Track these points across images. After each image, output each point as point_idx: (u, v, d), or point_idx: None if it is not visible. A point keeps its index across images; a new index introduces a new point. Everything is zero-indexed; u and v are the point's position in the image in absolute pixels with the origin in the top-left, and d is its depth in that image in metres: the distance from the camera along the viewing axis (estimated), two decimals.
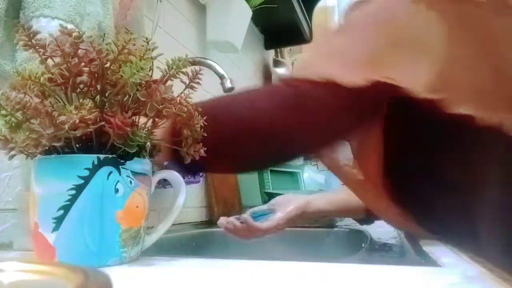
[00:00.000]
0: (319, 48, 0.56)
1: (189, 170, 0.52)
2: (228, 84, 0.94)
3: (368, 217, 0.76)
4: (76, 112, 0.37)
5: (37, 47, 0.39)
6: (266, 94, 0.52)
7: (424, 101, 0.40)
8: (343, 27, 0.52)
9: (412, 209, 0.54)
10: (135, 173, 0.41)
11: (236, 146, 0.50)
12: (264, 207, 0.80)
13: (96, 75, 0.39)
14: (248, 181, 1.36)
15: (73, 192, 0.38)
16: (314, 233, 0.95)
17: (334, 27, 0.57)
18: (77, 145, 0.39)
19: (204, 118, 0.44)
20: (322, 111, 0.48)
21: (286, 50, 2.17)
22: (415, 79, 0.42)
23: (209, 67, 0.96)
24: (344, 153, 0.59)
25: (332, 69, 0.46)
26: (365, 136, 0.55)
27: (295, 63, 2.21)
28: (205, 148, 0.45)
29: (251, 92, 0.53)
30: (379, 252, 0.54)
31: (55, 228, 0.38)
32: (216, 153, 0.48)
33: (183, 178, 0.49)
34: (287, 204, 0.78)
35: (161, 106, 0.40)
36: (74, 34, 0.39)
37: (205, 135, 0.45)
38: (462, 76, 0.42)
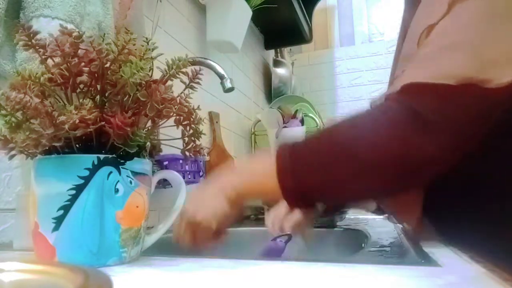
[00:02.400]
0: (422, 43, 0.44)
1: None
2: (228, 84, 0.93)
3: (379, 208, 0.72)
4: (76, 112, 0.37)
5: (37, 47, 0.39)
6: (374, 123, 0.42)
7: None
8: (442, 8, 0.42)
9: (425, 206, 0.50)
10: (135, 173, 0.41)
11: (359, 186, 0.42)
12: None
13: (96, 75, 0.39)
14: None
15: (73, 192, 0.38)
16: (314, 233, 0.95)
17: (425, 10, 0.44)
18: (77, 145, 0.39)
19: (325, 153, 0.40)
20: (458, 125, 0.37)
21: (286, 50, 2.17)
22: None
23: (209, 67, 0.96)
24: None
25: (459, 67, 0.37)
26: None
27: (294, 63, 2.21)
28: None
29: (360, 123, 0.44)
30: (379, 252, 0.54)
31: (55, 228, 0.38)
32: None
33: (183, 178, 0.49)
34: None
35: (161, 106, 0.40)
36: (74, 34, 0.39)
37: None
38: None
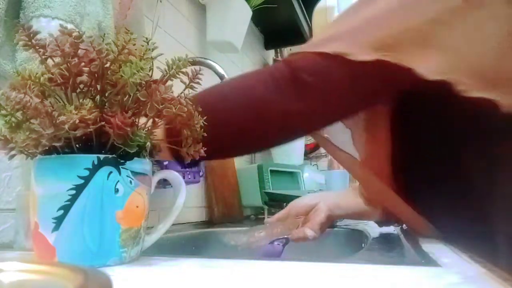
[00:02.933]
0: (331, 26, 0.52)
1: (189, 164, 0.51)
2: None
3: (386, 219, 0.72)
4: (76, 112, 0.37)
5: (37, 47, 0.39)
6: (260, 78, 0.49)
7: (437, 87, 0.38)
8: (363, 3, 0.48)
9: (424, 205, 0.52)
10: (135, 173, 0.41)
11: (233, 139, 0.49)
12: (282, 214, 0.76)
13: (96, 75, 0.39)
14: (248, 181, 1.36)
15: (73, 192, 0.38)
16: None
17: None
18: (77, 145, 0.39)
19: (199, 109, 0.44)
20: (326, 87, 0.44)
21: (286, 50, 2.17)
22: (427, 62, 0.39)
23: (209, 67, 0.96)
24: (344, 143, 0.58)
25: (344, 45, 0.43)
26: (371, 130, 0.53)
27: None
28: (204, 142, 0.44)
29: (245, 78, 0.51)
30: (379, 252, 0.54)
31: (55, 228, 0.38)
32: (215, 146, 0.47)
33: (183, 178, 0.49)
34: (313, 211, 0.73)
35: (161, 106, 0.40)
36: (74, 34, 0.39)
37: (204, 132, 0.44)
38: (481, 59, 0.40)
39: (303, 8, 1.81)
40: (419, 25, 0.42)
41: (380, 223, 0.76)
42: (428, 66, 0.39)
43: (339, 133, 0.58)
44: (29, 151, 0.39)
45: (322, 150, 2.11)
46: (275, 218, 0.77)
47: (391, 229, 0.76)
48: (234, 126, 0.48)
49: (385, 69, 0.41)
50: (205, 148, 0.45)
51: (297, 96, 0.45)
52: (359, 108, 0.50)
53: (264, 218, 1.27)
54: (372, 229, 0.80)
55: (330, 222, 0.75)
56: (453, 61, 0.40)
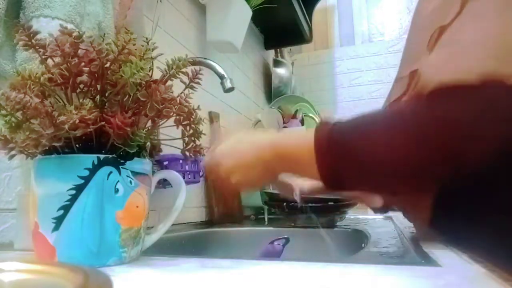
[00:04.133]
0: (446, 44, 0.43)
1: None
2: (228, 84, 0.93)
3: (383, 206, 0.72)
4: (76, 112, 0.37)
5: (37, 47, 0.39)
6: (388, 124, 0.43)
7: None
8: (467, 11, 0.41)
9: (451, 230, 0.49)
10: (135, 173, 0.41)
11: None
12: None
13: (96, 75, 0.39)
14: None
15: (73, 192, 0.38)
16: (314, 233, 0.95)
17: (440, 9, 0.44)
18: (77, 145, 0.39)
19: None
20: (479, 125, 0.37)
21: (286, 50, 2.17)
22: None
23: (209, 67, 0.96)
24: None
25: (479, 64, 0.37)
26: None
27: (294, 63, 2.21)
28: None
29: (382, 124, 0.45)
30: (379, 252, 0.54)
31: (55, 228, 0.38)
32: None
33: (183, 178, 0.49)
34: None
35: (161, 106, 0.40)
36: (74, 34, 0.39)
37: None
38: None
39: (303, 8, 1.82)
40: None
41: (375, 210, 0.75)
42: None
43: None
44: (29, 151, 0.39)
45: None
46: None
47: (391, 229, 0.76)
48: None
49: None
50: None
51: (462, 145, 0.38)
52: None
53: (264, 218, 1.27)
54: (372, 229, 0.80)
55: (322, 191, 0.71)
56: None
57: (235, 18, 1.26)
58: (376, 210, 0.75)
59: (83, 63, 0.39)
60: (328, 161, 0.44)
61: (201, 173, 1.05)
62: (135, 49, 0.40)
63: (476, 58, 0.38)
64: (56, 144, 0.37)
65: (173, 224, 0.49)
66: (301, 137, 0.48)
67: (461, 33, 0.41)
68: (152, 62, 0.42)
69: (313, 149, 0.44)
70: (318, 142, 0.44)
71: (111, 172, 0.39)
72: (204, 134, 0.44)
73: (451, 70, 0.39)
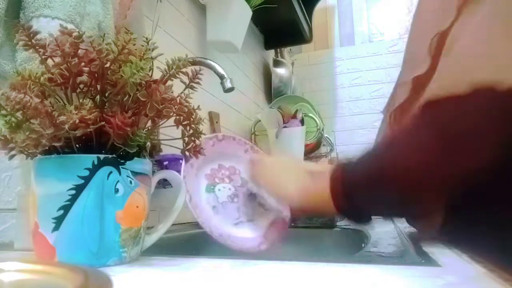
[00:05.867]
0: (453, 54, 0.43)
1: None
2: (228, 84, 0.93)
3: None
4: (76, 112, 0.37)
5: (37, 47, 0.39)
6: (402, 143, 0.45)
7: None
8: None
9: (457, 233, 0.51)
10: (135, 173, 0.41)
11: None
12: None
13: (96, 75, 0.39)
14: None
15: (73, 192, 0.38)
16: (314, 233, 0.95)
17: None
18: (77, 145, 0.39)
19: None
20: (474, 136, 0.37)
21: (286, 50, 2.17)
22: None
23: (209, 67, 0.96)
24: None
25: (472, 74, 0.37)
26: None
27: (294, 63, 2.21)
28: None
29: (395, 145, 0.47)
30: (379, 252, 0.54)
31: (55, 228, 0.38)
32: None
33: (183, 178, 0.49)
34: None
35: (161, 106, 0.40)
36: (74, 34, 0.39)
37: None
38: None
39: (303, 8, 1.82)
40: None
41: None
42: None
43: None
44: (29, 151, 0.39)
45: (322, 150, 2.11)
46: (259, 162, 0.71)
47: (391, 229, 0.76)
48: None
49: None
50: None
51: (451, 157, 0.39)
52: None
53: None
54: (372, 229, 0.80)
55: None
56: None
57: (235, 18, 1.26)
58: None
59: (83, 63, 0.39)
60: (342, 201, 0.50)
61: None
62: (135, 49, 0.40)
63: (468, 67, 0.38)
64: (56, 144, 0.37)
65: (173, 224, 0.49)
66: (323, 183, 0.52)
67: (456, 42, 0.42)
68: (152, 62, 0.42)
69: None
70: (333, 189, 0.50)
71: (111, 172, 0.39)
72: (204, 134, 0.44)
73: (443, 83, 0.40)
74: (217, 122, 1.32)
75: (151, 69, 0.42)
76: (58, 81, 0.39)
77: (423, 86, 0.44)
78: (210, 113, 1.29)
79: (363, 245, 0.71)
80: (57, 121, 0.36)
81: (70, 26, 0.54)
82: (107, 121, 0.38)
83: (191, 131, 0.44)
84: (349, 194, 0.49)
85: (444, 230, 0.50)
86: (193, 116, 0.43)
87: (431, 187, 0.43)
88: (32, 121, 0.38)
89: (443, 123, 0.40)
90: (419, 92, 0.45)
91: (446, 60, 0.43)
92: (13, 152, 0.39)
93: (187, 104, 0.42)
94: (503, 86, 0.35)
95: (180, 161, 0.93)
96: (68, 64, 0.39)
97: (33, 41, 0.39)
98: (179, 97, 0.42)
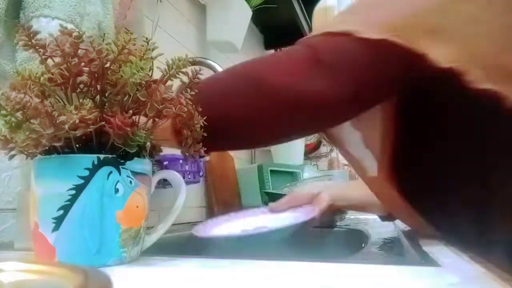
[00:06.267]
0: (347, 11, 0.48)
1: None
2: None
3: (390, 214, 0.72)
4: (76, 112, 0.37)
5: (37, 47, 0.39)
6: (274, 60, 0.46)
7: (444, 76, 0.37)
8: None
9: (421, 204, 0.52)
10: (135, 173, 0.41)
11: (240, 131, 0.46)
12: (284, 201, 0.76)
13: (96, 75, 0.39)
14: (248, 181, 1.36)
15: (73, 192, 0.38)
16: (314, 233, 0.95)
17: None
18: (77, 145, 0.39)
19: (199, 109, 0.42)
20: (350, 65, 0.41)
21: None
22: (438, 49, 0.37)
23: (209, 67, 0.96)
24: (356, 146, 0.57)
25: (353, 24, 0.41)
26: (375, 123, 0.51)
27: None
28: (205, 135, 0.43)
29: (259, 62, 0.48)
30: (379, 252, 0.54)
31: (55, 228, 0.38)
32: (220, 137, 0.45)
33: (183, 178, 0.49)
34: (315, 200, 0.73)
35: (161, 106, 0.40)
36: (74, 34, 0.39)
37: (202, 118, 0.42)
38: (495, 51, 0.38)
39: (303, 8, 1.81)
40: (428, 12, 0.40)
41: (383, 218, 0.76)
42: (439, 53, 0.38)
43: (350, 134, 0.57)
44: (29, 151, 0.39)
45: (322, 150, 2.11)
46: (276, 205, 0.76)
47: (391, 229, 0.76)
48: (240, 118, 0.45)
49: (397, 52, 0.39)
50: (209, 138, 0.43)
51: (323, 76, 0.41)
52: (382, 94, 0.46)
53: None
54: (372, 229, 0.80)
55: (331, 212, 0.75)
56: (462, 50, 0.38)
57: (235, 18, 1.26)
58: (384, 219, 0.75)
59: (83, 63, 0.39)
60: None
61: (201, 173, 1.05)
62: (135, 49, 0.40)
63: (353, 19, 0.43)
64: (56, 144, 0.37)
65: (173, 224, 0.49)
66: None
67: None
68: (152, 62, 0.42)
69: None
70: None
71: (111, 172, 0.39)
72: (204, 134, 0.44)
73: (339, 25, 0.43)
74: None
75: (151, 69, 0.42)
76: (58, 81, 0.39)
77: None
78: None
79: (363, 245, 0.71)
80: (57, 121, 0.36)
81: (70, 26, 0.54)
82: (107, 121, 0.38)
83: (191, 131, 0.44)
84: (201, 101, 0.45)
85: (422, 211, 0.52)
86: (193, 116, 0.43)
87: (298, 106, 0.43)
88: (32, 121, 0.38)
89: (321, 47, 0.43)
90: None
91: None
92: (13, 152, 0.39)
93: (187, 104, 0.42)
94: (356, 34, 0.40)
95: (180, 161, 0.94)
96: (68, 64, 0.39)
97: (33, 41, 0.39)
98: (179, 97, 0.42)
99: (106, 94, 0.41)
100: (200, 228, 0.68)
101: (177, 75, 0.42)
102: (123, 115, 0.38)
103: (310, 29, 1.96)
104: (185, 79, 0.43)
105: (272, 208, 0.76)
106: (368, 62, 0.41)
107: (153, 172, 0.46)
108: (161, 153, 0.47)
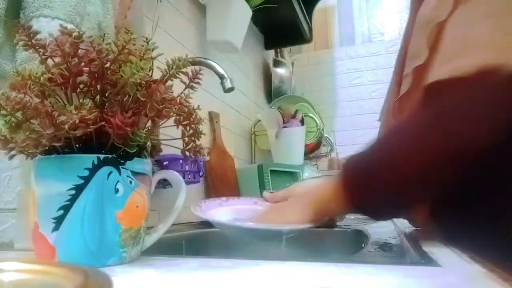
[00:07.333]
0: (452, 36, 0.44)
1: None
2: (228, 84, 0.93)
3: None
4: (76, 112, 0.37)
5: (37, 47, 0.39)
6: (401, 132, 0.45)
7: None
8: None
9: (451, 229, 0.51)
10: (135, 173, 0.41)
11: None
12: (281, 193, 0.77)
13: (96, 75, 0.39)
14: (248, 181, 1.36)
15: (73, 192, 0.38)
16: (314, 233, 0.95)
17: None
18: (77, 145, 0.39)
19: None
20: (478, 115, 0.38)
21: (286, 50, 2.17)
22: None
23: (209, 67, 0.96)
24: None
25: (475, 59, 0.38)
26: None
27: (294, 63, 2.21)
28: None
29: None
30: (379, 252, 0.54)
31: (55, 228, 0.38)
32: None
33: (183, 178, 0.49)
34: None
35: (161, 106, 0.40)
36: (74, 34, 0.39)
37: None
38: None
39: (303, 8, 1.82)
40: None
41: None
42: None
43: None
44: (29, 151, 0.39)
45: (322, 150, 2.11)
46: (272, 195, 0.76)
47: (391, 229, 0.76)
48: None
49: None
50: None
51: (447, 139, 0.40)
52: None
53: None
54: (372, 229, 0.80)
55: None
56: None
57: (235, 18, 1.26)
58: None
59: (83, 63, 0.39)
60: (352, 187, 0.48)
61: (201, 173, 1.05)
62: (135, 49, 0.40)
63: (471, 54, 0.39)
64: (56, 144, 0.37)
65: (173, 224, 0.49)
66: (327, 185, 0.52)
67: (454, 31, 0.43)
68: (152, 62, 0.42)
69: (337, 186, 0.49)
70: (343, 178, 0.49)
71: (111, 172, 0.39)
72: (204, 134, 0.44)
73: (446, 68, 0.40)
74: (217, 122, 1.32)
75: (151, 69, 0.42)
76: (58, 81, 0.39)
77: (423, 76, 0.45)
78: (210, 113, 1.29)
79: (363, 245, 0.71)
80: (57, 121, 0.36)
81: (70, 26, 0.54)
82: (107, 121, 0.38)
83: (191, 131, 0.44)
84: (356, 185, 0.48)
85: (440, 224, 0.51)
86: (193, 116, 0.43)
87: (431, 178, 0.43)
88: (32, 121, 0.38)
89: (446, 106, 0.40)
90: (420, 82, 0.46)
91: (446, 46, 0.43)
92: (13, 152, 0.39)
93: (187, 104, 0.42)
94: (506, 69, 0.36)
95: (180, 161, 0.94)
96: (68, 64, 0.39)
97: (33, 41, 0.39)
98: (179, 97, 0.42)
99: (106, 94, 0.41)
100: (198, 208, 0.67)
101: (177, 75, 0.42)
102: (123, 115, 0.38)
103: (310, 29, 1.96)
104: (185, 79, 0.43)
105: (267, 197, 0.75)
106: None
107: (153, 172, 0.46)
108: (161, 153, 0.47)
